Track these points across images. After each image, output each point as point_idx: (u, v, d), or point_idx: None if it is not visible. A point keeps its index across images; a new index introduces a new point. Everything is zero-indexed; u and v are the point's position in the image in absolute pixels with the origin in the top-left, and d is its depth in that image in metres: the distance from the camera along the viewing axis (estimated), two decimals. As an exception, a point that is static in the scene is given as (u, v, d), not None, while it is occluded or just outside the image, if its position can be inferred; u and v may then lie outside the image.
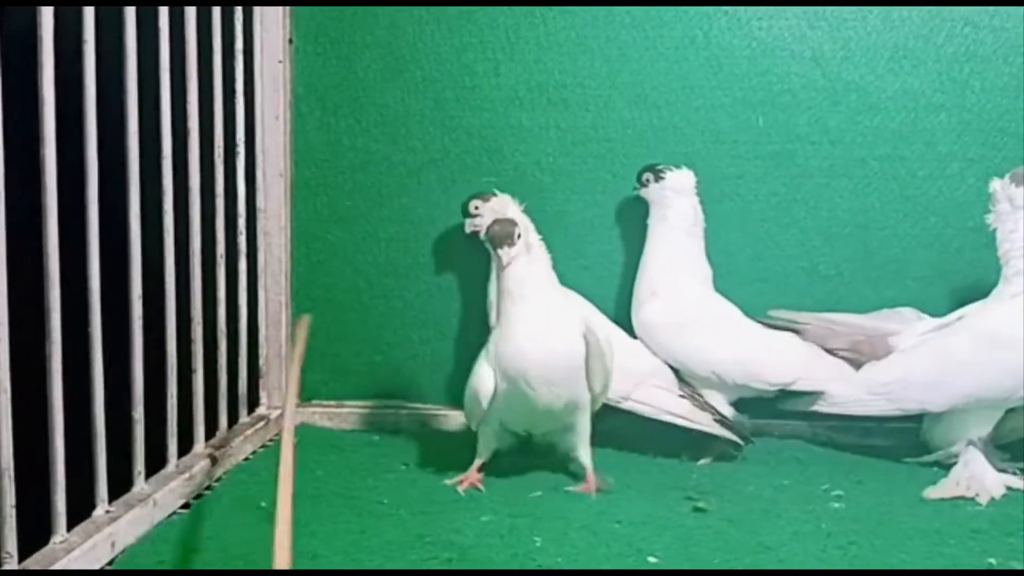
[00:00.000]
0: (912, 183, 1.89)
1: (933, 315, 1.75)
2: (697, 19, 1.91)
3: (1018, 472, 1.63)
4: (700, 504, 1.50)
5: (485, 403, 1.54)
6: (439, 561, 1.26)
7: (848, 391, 1.72)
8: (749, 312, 1.83)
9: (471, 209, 1.80)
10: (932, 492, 1.56)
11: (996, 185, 1.66)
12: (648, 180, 1.81)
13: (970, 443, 1.63)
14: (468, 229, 1.82)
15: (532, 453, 1.67)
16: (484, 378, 1.53)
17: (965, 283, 1.83)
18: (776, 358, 1.76)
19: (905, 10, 1.87)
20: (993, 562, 1.27)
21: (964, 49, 1.87)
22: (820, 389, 1.73)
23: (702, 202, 1.84)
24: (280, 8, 1.93)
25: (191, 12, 1.59)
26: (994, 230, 1.66)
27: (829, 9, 1.88)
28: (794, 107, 1.90)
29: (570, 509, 1.49)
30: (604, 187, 1.95)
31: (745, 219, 1.93)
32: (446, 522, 1.41)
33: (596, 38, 1.93)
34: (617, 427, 1.74)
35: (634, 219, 1.93)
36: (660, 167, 1.80)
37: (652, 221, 1.83)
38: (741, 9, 1.90)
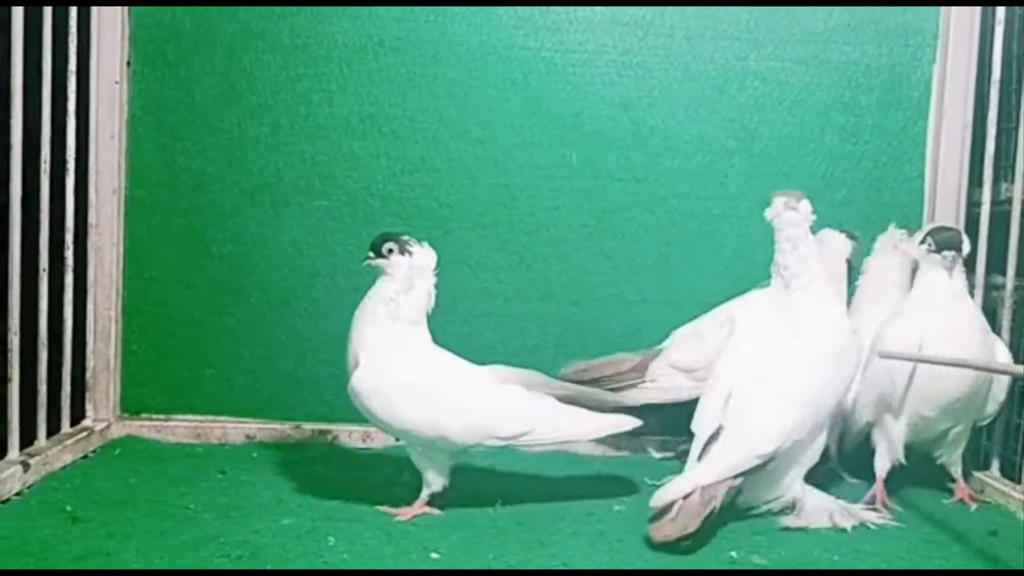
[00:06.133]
0: (708, 220, 2.09)
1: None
2: (518, 64, 2.06)
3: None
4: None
5: None
6: (229, 559, 1.34)
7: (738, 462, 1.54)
8: (571, 332, 2.04)
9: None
10: (791, 521, 1.58)
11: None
12: (391, 251, 1.62)
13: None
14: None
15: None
16: None
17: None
18: (506, 411, 1.63)
19: (703, 63, 2.07)
20: (734, 555, 1.44)
21: (754, 101, 2.08)
22: (561, 437, 1.67)
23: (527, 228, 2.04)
24: (117, 31, 1.99)
25: (17, 29, 1.64)
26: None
27: (636, 59, 2.07)
28: (604, 147, 2.07)
29: (372, 514, 1.59)
30: (430, 214, 2.08)
31: (560, 248, 2.09)
32: (247, 524, 1.49)
33: (424, 76, 2.06)
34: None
35: (457, 245, 2.07)
36: (406, 240, 1.63)
37: (379, 291, 1.63)
38: (559, 56, 2.06)
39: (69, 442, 1.83)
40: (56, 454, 1.77)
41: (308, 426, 2.05)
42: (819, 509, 1.60)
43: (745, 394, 1.58)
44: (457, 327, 2.07)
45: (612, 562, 1.40)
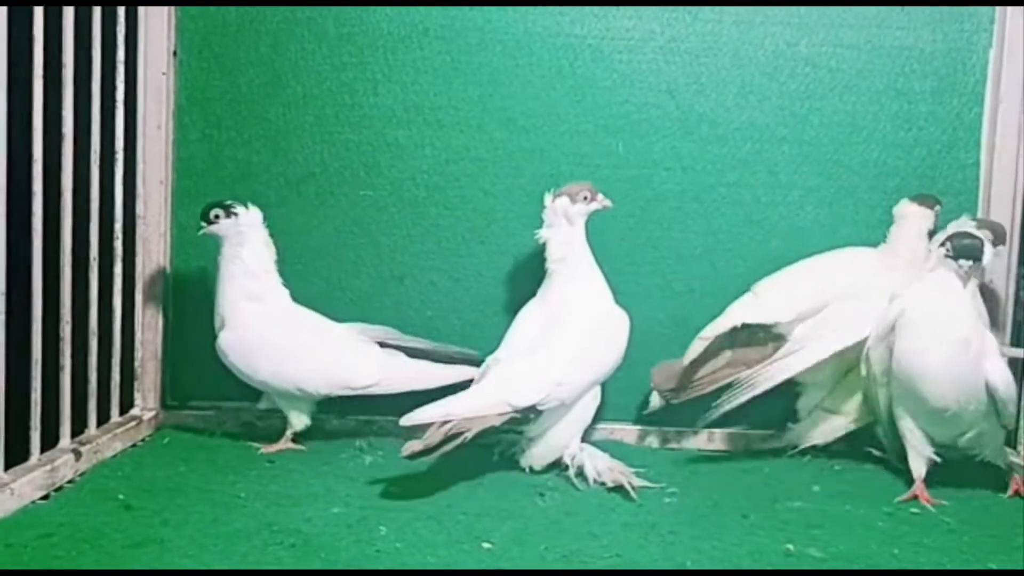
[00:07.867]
0: (756, 208, 2.05)
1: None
2: (564, 51, 2.04)
3: None
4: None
5: None
6: (283, 547, 1.34)
7: None
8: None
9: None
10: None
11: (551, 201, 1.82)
12: (219, 216, 1.85)
13: None
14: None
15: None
16: None
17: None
18: (358, 364, 1.88)
19: (752, 49, 2.04)
20: (791, 548, 1.42)
21: (804, 87, 2.05)
22: (408, 387, 1.85)
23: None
24: (164, 21, 2.00)
25: (68, 19, 1.65)
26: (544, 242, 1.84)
27: (684, 45, 2.04)
28: (650, 135, 2.05)
29: (422, 502, 1.59)
30: (475, 204, 2.06)
31: (604, 238, 2.05)
32: (298, 513, 1.49)
33: (469, 64, 2.04)
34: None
35: (502, 235, 2.06)
36: (230, 204, 1.86)
37: (225, 255, 1.87)
38: (605, 42, 2.04)
39: (119, 431, 1.85)
40: (106, 442, 1.78)
41: (353, 416, 2.05)
42: (596, 468, 1.72)
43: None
44: (501, 317, 2.05)
45: (665, 554, 1.39)
